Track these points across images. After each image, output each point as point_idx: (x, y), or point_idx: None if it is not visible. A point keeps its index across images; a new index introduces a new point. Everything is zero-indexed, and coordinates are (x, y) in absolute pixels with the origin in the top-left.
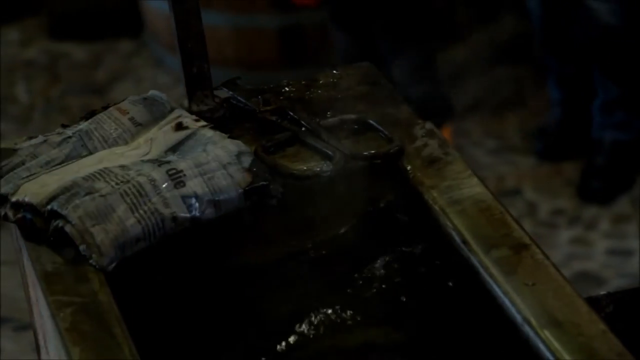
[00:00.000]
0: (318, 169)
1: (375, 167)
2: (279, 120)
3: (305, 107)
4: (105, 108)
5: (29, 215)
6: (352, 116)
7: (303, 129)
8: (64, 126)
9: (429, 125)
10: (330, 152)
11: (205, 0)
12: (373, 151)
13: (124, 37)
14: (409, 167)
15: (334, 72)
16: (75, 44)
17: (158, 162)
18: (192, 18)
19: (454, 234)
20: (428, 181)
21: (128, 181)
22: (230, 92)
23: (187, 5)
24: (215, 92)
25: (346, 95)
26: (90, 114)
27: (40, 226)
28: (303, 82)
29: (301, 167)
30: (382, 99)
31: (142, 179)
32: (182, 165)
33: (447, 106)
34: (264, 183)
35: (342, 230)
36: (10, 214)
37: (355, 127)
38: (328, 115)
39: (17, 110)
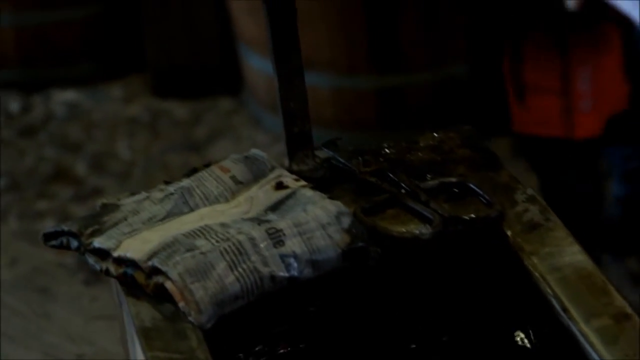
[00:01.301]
0: (417, 232)
1: (475, 231)
2: (378, 182)
3: (405, 169)
4: (207, 166)
5: (130, 271)
6: (452, 179)
7: (403, 191)
8: (166, 182)
9: (530, 190)
10: (429, 215)
11: (305, 61)
12: (473, 215)
13: (224, 95)
14: (509, 232)
15: (435, 134)
16: (176, 101)
17: (258, 220)
18: (296, 78)
19: (553, 301)
20: (528, 247)
21: (228, 239)
22: (331, 153)
23: (291, 65)
24: (316, 152)
25: (446, 158)
26: (192, 172)
27: (141, 282)
28: (403, 144)
29: (400, 229)
30: (482, 163)
31: (241, 237)
32: (281, 224)
33: None
34: (363, 245)
35: (440, 293)
36: (112, 269)
37: (455, 190)
38: (428, 178)
39: (118, 166)
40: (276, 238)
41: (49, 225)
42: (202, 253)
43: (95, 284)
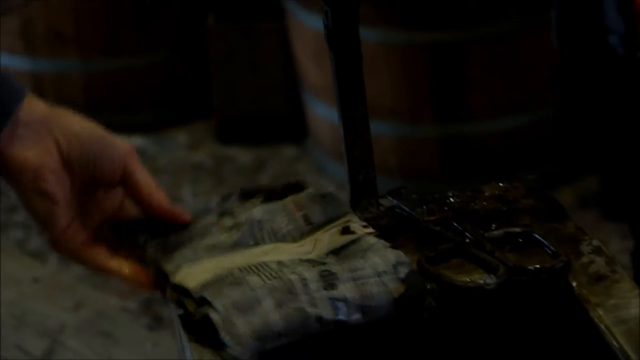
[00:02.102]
0: (482, 282)
1: (540, 282)
2: (443, 231)
3: (469, 218)
4: (285, 189)
5: (182, 298)
6: (517, 229)
7: (467, 240)
8: (244, 197)
9: (595, 242)
10: (494, 265)
11: (369, 109)
12: (538, 265)
13: (288, 142)
14: (574, 284)
15: (500, 184)
16: (240, 148)
17: (314, 262)
18: (361, 126)
19: (619, 354)
20: (594, 299)
21: (280, 277)
22: (395, 201)
23: (356, 113)
24: (380, 201)
25: (511, 208)
26: (270, 193)
27: (191, 310)
28: (468, 193)
29: (465, 278)
30: (547, 213)
31: (293, 277)
32: (336, 268)
33: None
34: (417, 294)
35: (503, 344)
36: (168, 293)
37: (520, 240)
38: (493, 228)
39: None
40: (328, 281)
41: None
42: (251, 289)
43: (158, 329)
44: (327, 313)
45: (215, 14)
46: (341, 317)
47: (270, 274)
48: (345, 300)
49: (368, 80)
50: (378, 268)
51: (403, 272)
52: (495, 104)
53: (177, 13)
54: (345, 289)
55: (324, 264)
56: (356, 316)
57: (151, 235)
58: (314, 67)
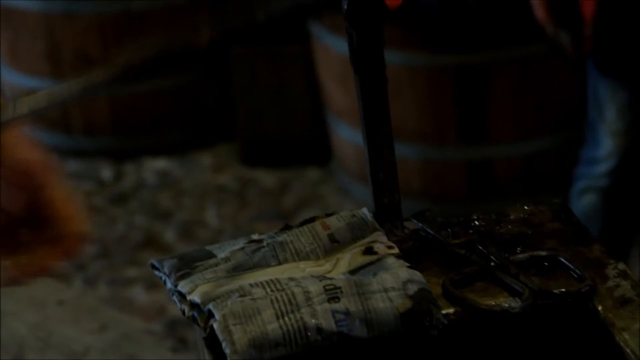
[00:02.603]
0: (507, 305)
1: (566, 305)
2: (468, 254)
3: (494, 242)
4: (312, 220)
5: (196, 314)
6: (543, 253)
7: (492, 263)
8: (285, 227)
9: (621, 265)
10: (519, 289)
11: (394, 131)
12: (563, 289)
13: (312, 165)
14: (600, 307)
15: (525, 207)
16: (265, 170)
17: (322, 277)
18: (385, 148)
19: None
20: (620, 323)
21: (283, 289)
22: (420, 224)
23: (381, 136)
24: (405, 223)
25: (537, 231)
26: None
27: (202, 324)
28: (493, 216)
29: (490, 302)
30: (573, 237)
31: (297, 290)
32: (341, 282)
33: None
34: (425, 311)
35: None
36: (187, 310)
37: (546, 264)
38: (518, 251)
39: (206, 235)
40: (332, 294)
41: (138, 291)
42: (252, 299)
43: (182, 351)
44: (327, 324)
45: (239, 37)
46: (342, 329)
47: (276, 287)
48: (347, 312)
49: (393, 102)
50: (386, 284)
51: (412, 289)
52: (521, 126)
53: None
54: (348, 302)
55: (330, 278)
56: (359, 330)
57: (176, 272)
58: (338, 90)
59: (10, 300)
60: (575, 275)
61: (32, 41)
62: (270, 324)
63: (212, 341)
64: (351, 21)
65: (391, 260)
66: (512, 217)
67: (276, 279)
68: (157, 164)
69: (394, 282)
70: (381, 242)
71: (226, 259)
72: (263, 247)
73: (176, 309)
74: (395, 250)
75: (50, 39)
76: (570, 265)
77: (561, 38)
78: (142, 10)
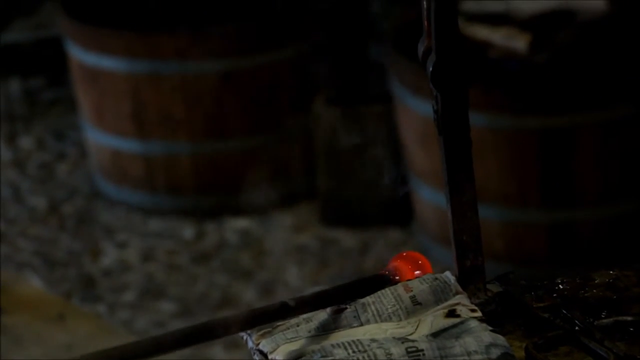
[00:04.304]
0: None
1: None
2: (552, 318)
3: (579, 306)
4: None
5: None
6: (628, 318)
7: (576, 328)
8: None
9: None
10: (604, 354)
11: (477, 193)
12: None
13: (394, 225)
14: None
15: (610, 272)
16: (345, 230)
17: (404, 340)
18: (469, 210)
19: None
20: None
21: (365, 351)
22: (503, 287)
23: (465, 198)
24: (487, 286)
25: (622, 296)
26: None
27: None
28: (578, 280)
29: None
30: None
31: (379, 352)
32: (424, 345)
33: None
34: None
35: None
36: None
37: (631, 329)
38: (602, 316)
39: (286, 294)
40: (414, 357)
41: (219, 350)
42: None
43: None
44: None
45: (322, 97)
46: None
47: (358, 349)
48: None
49: (476, 164)
50: (469, 348)
51: (495, 353)
52: (606, 189)
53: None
54: None
55: (412, 341)
56: None
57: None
58: (420, 151)
59: None
60: None
61: (118, 102)
62: None
63: None
64: (436, 83)
65: (474, 324)
66: (597, 281)
67: (358, 340)
68: (239, 224)
69: (476, 346)
70: (464, 305)
71: (308, 319)
72: (345, 308)
73: None
74: (479, 314)
75: (135, 100)
76: None
77: None
78: (225, 72)
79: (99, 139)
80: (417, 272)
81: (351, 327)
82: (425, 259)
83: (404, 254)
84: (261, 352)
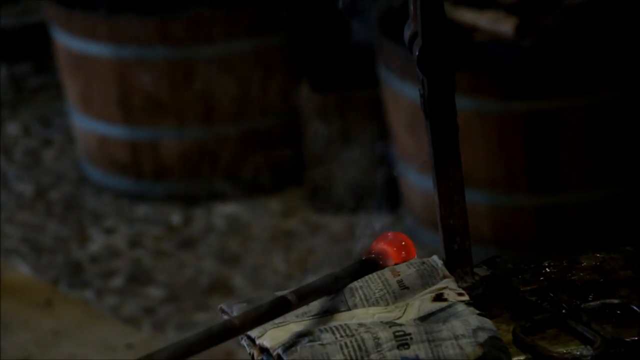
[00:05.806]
0: (578, 353)
1: (638, 354)
2: (539, 301)
3: (566, 289)
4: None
5: (265, 358)
6: (615, 301)
7: (563, 311)
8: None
9: None
10: (591, 337)
11: (464, 178)
12: (636, 338)
13: (381, 210)
14: None
15: (597, 255)
16: (333, 215)
17: (392, 324)
18: (456, 195)
19: None
20: None
21: (353, 335)
22: (490, 270)
23: (452, 182)
24: (475, 270)
25: (609, 279)
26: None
27: None
28: (564, 263)
29: (561, 349)
30: None
31: (367, 336)
32: (411, 329)
33: None
34: (495, 358)
35: None
36: (255, 354)
37: (618, 312)
38: (589, 299)
39: (275, 280)
40: (402, 341)
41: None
42: (321, 344)
43: None
44: None
45: (308, 83)
46: None
47: (345, 333)
48: (417, 359)
49: (463, 148)
50: (456, 331)
51: (482, 337)
52: (592, 173)
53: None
54: (418, 349)
55: (400, 325)
56: None
57: None
58: (408, 136)
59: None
60: None
61: (104, 87)
62: None
63: None
64: (422, 67)
65: (461, 307)
66: (583, 264)
67: (346, 324)
68: (226, 209)
69: (464, 330)
70: (451, 289)
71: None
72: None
73: (245, 353)
74: (466, 297)
75: (122, 86)
76: None
77: None
78: (211, 57)
79: (85, 125)
80: (402, 254)
81: (339, 311)
82: (409, 239)
83: (388, 234)
84: (249, 337)
